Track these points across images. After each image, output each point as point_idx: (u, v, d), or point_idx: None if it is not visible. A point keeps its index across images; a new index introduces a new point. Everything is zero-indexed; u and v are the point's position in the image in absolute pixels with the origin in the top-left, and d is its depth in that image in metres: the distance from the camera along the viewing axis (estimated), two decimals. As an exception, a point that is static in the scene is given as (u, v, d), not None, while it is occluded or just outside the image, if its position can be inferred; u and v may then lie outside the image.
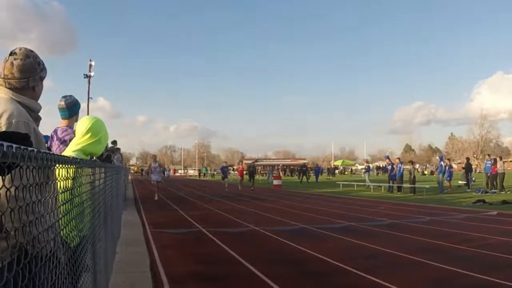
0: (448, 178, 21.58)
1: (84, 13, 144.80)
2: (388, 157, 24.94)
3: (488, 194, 19.07)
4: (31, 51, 2.21)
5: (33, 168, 1.20)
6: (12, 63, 2.11)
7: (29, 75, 2.13)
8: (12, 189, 1.10)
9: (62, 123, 4.14)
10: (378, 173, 60.67)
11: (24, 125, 1.88)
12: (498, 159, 22.03)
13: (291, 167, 79.28)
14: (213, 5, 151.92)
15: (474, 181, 24.99)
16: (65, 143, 3.83)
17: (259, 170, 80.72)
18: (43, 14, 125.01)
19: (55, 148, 3.94)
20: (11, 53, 2.15)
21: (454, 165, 63.51)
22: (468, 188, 22.74)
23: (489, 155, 25.52)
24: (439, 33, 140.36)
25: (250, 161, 48.25)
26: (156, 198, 18.19)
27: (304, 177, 38.88)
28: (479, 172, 23.75)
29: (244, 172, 30.40)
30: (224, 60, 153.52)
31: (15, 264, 1.19)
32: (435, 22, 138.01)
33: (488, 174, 21.13)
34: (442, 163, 21.72)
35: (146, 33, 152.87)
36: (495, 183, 20.55)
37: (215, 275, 5.58)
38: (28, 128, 1.89)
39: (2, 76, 2.11)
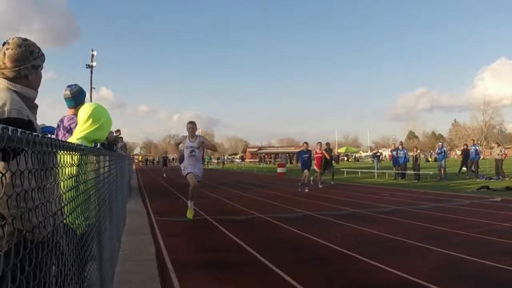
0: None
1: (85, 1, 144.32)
2: (402, 143, 23.91)
3: (492, 180, 19.03)
4: (25, 40, 2.20)
5: (38, 154, 1.19)
6: (4, 53, 2.13)
7: (20, 64, 2.14)
8: (15, 174, 1.10)
9: (69, 112, 4.15)
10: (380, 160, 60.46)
11: (17, 113, 1.89)
12: (496, 145, 21.99)
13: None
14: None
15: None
16: (70, 131, 3.83)
17: (263, 158, 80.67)
18: (44, 3, 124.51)
19: (61, 137, 3.95)
20: (4, 43, 2.16)
21: (458, 152, 63.43)
22: (457, 174, 22.77)
23: (473, 140, 25.38)
24: (442, 18, 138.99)
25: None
26: (190, 217, 9.16)
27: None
28: (483, 159, 23.69)
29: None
30: (225, 47, 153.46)
31: (12, 253, 1.19)
32: (438, 8, 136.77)
33: (477, 160, 21.42)
34: (444, 149, 21.71)
35: (146, 21, 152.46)
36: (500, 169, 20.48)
37: (221, 262, 5.61)
38: (21, 116, 1.90)
39: None
